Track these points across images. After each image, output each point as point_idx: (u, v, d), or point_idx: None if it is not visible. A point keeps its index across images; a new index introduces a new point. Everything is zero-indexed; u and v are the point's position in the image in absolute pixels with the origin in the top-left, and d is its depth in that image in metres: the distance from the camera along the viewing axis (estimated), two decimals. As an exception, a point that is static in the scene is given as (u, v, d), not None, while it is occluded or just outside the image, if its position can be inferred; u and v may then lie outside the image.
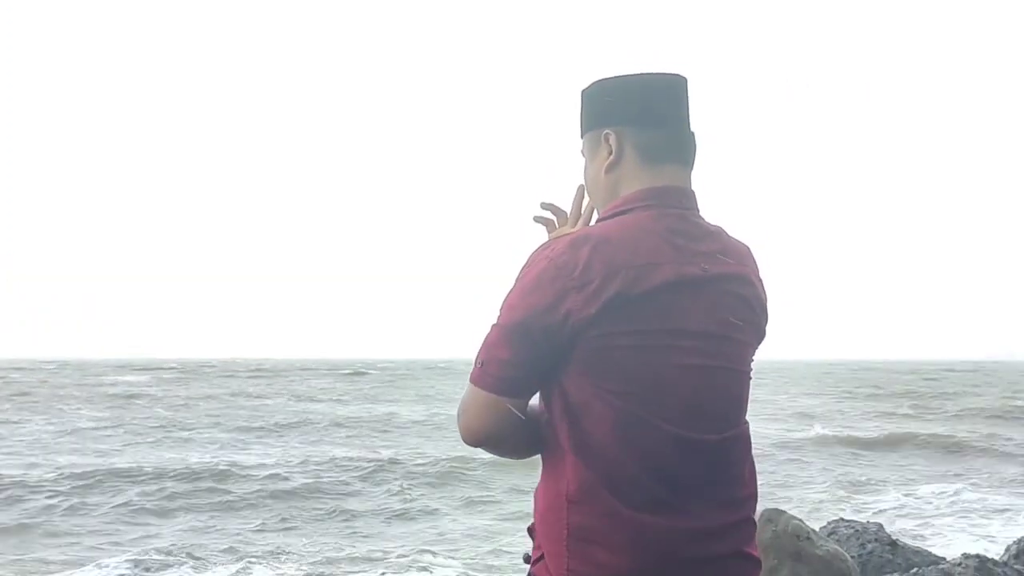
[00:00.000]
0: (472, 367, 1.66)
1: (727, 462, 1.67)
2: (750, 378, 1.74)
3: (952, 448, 19.01)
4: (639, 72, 1.73)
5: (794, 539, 6.21)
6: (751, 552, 1.68)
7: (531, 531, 1.71)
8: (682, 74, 1.76)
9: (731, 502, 1.66)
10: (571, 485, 1.61)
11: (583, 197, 1.89)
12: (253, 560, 9.25)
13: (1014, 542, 6.61)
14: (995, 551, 7.07)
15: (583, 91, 1.80)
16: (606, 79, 1.75)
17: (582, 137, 1.81)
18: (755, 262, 1.77)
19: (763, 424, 22.58)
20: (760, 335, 1.76)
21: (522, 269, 1.65)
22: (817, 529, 6.93)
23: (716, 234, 1.72)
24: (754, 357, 1.75)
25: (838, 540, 6.78)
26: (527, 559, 1.72)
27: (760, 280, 1.77)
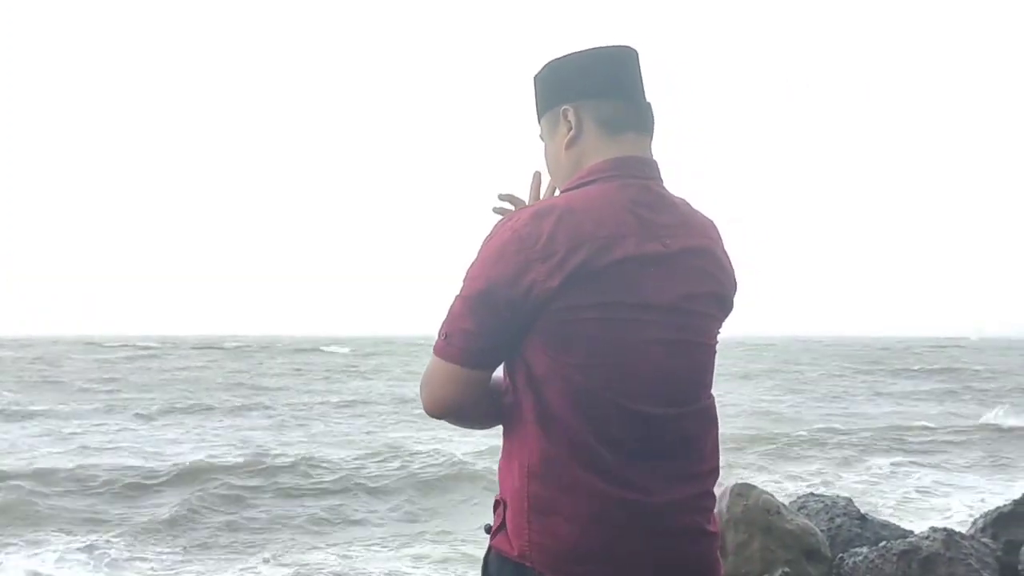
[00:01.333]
0: (435, 339, 1.65)
1: (688, 436, 1.66)
2: (715, 352, 1.73)
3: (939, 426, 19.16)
4: (588, 48, 1.73)
5: (764, 513, 6.26)
6: (709, 528, 1.68)
7: (495, 505, 1.71)
8: (631, 46, 1.75)
9: (691, 476, 1.66)
10: (533, 457, 1.60)
11: (540, 184, 1.88)
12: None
13: (980, 516, 6.70)
14: (963, 525, 7.15)
15: (535, 76, 1.79)
16: (557, 59, 1.75)
17: (539, 120, 1.80)
18: (719, 235, 1.77)
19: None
20: (726, 308, 1.75)
21: (485, 240, 1.63)
22: (787, 503, 6.99)
23: (680, 206, 1.71)
24: (720, 330, 1.74)
25: (807, 514, 6.84)
26: (488, 530, 1.71)
27: (725, 253, 1.76)
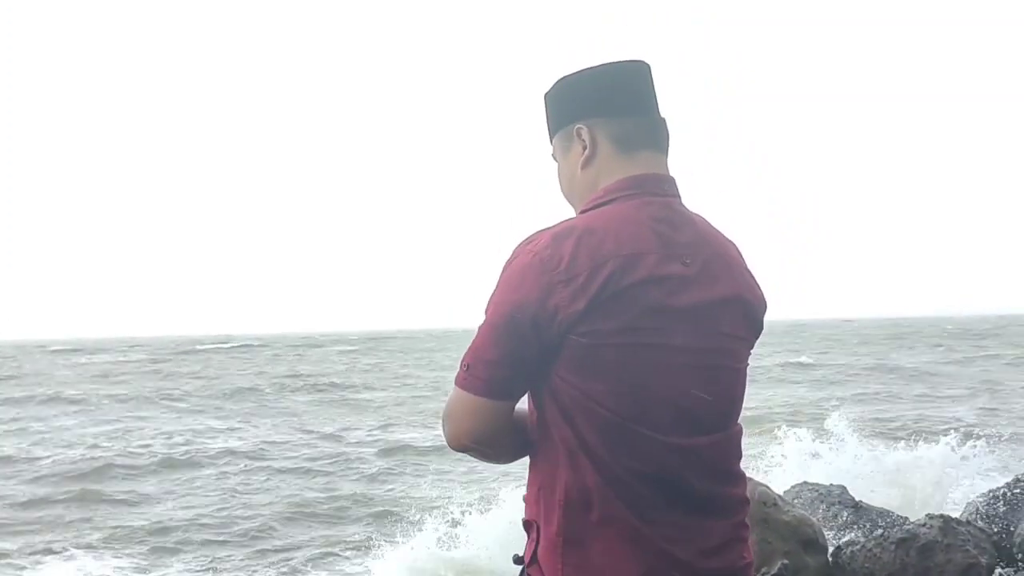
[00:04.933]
0: (457, 371, 1.60)
1: (721, 466, 1.62)
2: (745, 375, 1.69)
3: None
4: (600, 63, 1.68)
5: (761, 506, 6.25)
6: (745, 559, 1.64)
7: (526, 526, 1.66)
8: (643, 60, 1.71)
9: (726, 507, 1.62)
10: (564, 490, 1.56)
11: None
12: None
13: (976, 499, 6.73)
14: (955, 509, 7.18)
15: (546, 94, 1.74)
16: (568, 76, 1.70)
17: (552, 140, 1.75)
18: (741, 254, 1.72)
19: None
20: (756, 329, 1.71)
21: (505, 265, 1.59)
22: (781, 493, 6.99)
23: (700, 224, 1.67)
24: (750, 352, 1.70)
25: (802, 504, 6.86)
26: (518, 560, 1.67)
27: (750, 271, 1.72)
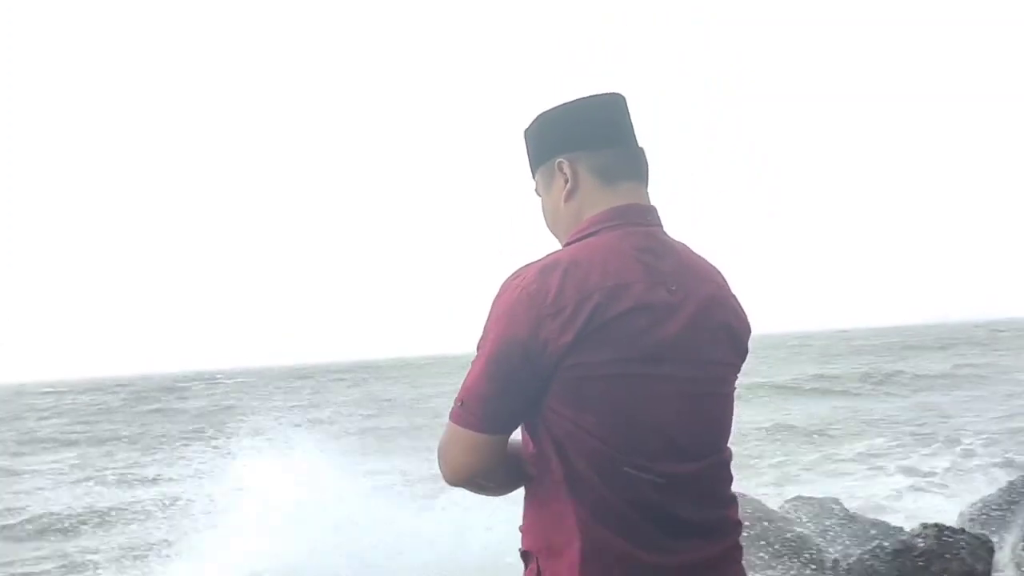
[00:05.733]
0: (451, 406, 1.62)
1: (712, 491, 1.65)
2: (733, 399, 1.71)
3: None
4: (577, 98, 1.73)
5: (757, 520, 6.29)
6: None
7: (523, 556, 1.67)
8: (619, 92, 1.75)
9: (719, 531, 1.64)
10: (562, 520, 1.58)
11: None
12: None
13: (968, 507, 6.76)
14: (949, 517, 7.21)
15: (526, 131, 1.78)
16: (547, 111, 1.75)
17: (534, 176, 1.79)
18: (725, 279, 1.75)
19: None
20: (741, 353, 1.73)
21: (494, 301, 1.61)
22: (777, 508, 7.03)
23: (682, 252, 1.70)
24: (737, 376, 1.73)
25: (798, 517, 6.88)
26: None
27: (733, 296, 1.74)
